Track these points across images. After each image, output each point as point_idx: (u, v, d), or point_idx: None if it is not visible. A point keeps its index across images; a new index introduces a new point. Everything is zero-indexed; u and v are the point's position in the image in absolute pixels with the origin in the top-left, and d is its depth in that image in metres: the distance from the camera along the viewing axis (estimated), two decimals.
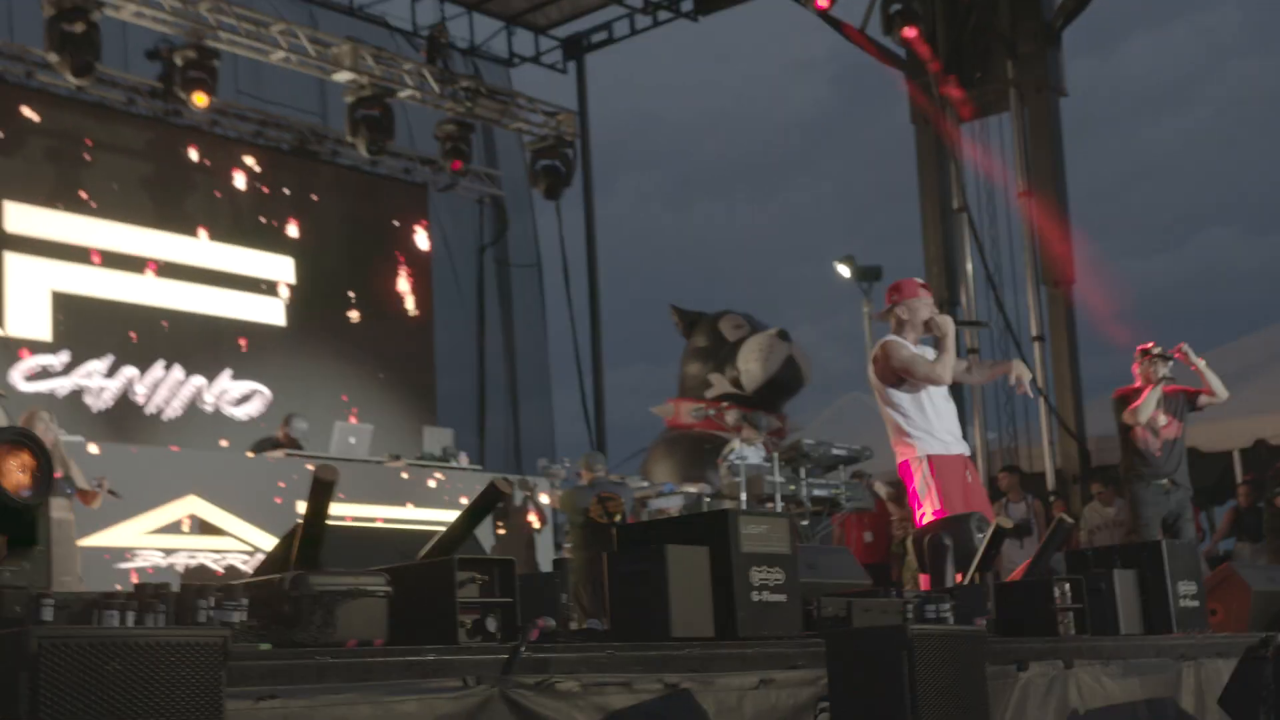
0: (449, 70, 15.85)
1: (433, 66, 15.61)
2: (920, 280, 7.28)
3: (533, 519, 12.59)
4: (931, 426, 6.89)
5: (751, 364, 16.23)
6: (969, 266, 16.60)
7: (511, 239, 18.18)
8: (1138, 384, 9.17)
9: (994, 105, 16.37)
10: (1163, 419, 9.13)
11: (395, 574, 4.04)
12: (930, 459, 6.85)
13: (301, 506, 10.55)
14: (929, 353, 6.99)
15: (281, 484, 11.14)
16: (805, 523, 13.25)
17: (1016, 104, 16.03)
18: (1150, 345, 9.06)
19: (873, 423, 18.06)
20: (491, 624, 4.07)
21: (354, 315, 15.95)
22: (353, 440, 12.08)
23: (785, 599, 4.70)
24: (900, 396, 6.92)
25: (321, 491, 3.98)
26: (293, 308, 15.36)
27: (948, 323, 6.94)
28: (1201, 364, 8.81)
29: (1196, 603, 6.32)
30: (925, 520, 6.69)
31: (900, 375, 6.90)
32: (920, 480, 6.85)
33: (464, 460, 13.20)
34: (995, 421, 16.49)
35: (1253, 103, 62.67)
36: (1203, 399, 9.10)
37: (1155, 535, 8.47)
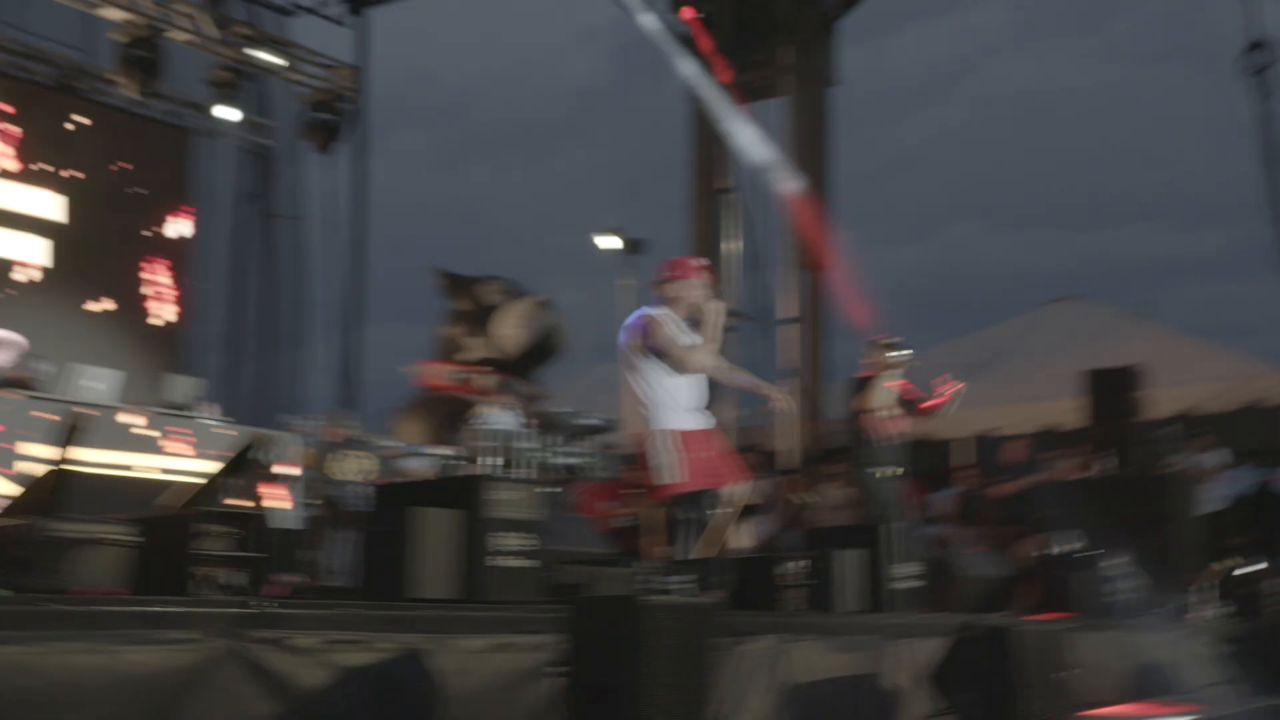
0: (225, 15, 15.45)
1: (208, 9, 15.21)
2: (700, 261, 7.17)
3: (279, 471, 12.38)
4: (677, 400, 6.77)
5: (511, 330, 16.27)
6: (733, 246, 16.98)
7: (277, 191, 17.83)
8: (870, 373, 9.20)
9: (768, 90, 16.73)
10: (891, 410, 9.25)
11: (145, 524, 4.03)
12: (674, 433, 6.71)
13: (26, 449, 10.22)
14: (692, 337, 6.87)
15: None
16: (559, 490, 13.43)
17: (790, 90, 16.43)
18: (884, 336, 9.17)
19: (621, 394, 18.33)
20: (236, 578, 4.10)
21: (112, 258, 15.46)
22: (102, 386, 11.71)
23: (530, 564, 4.83)
24: (649, 367, 6.78)
25: (69, 438, 3.95)
26: (58, 249, 14.85)
27: (714, 311, 6.87)
28: (952, 404, 8.96)
29: (913, 584, 6.70)
30: (665, 492, 6.64)
31: (656, 351, 6.78)
32: (663, 452, 6.69)
33: (216, 411, 12.95)
34: (744, 399, 16.92)
35: (1006, 102, 65.36)
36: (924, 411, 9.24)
37: (881, 519, 8.80)
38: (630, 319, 6.93)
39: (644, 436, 6.76)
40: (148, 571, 3.99)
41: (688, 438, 6.73)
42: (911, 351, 9.06)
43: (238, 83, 15.61)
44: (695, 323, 6.90)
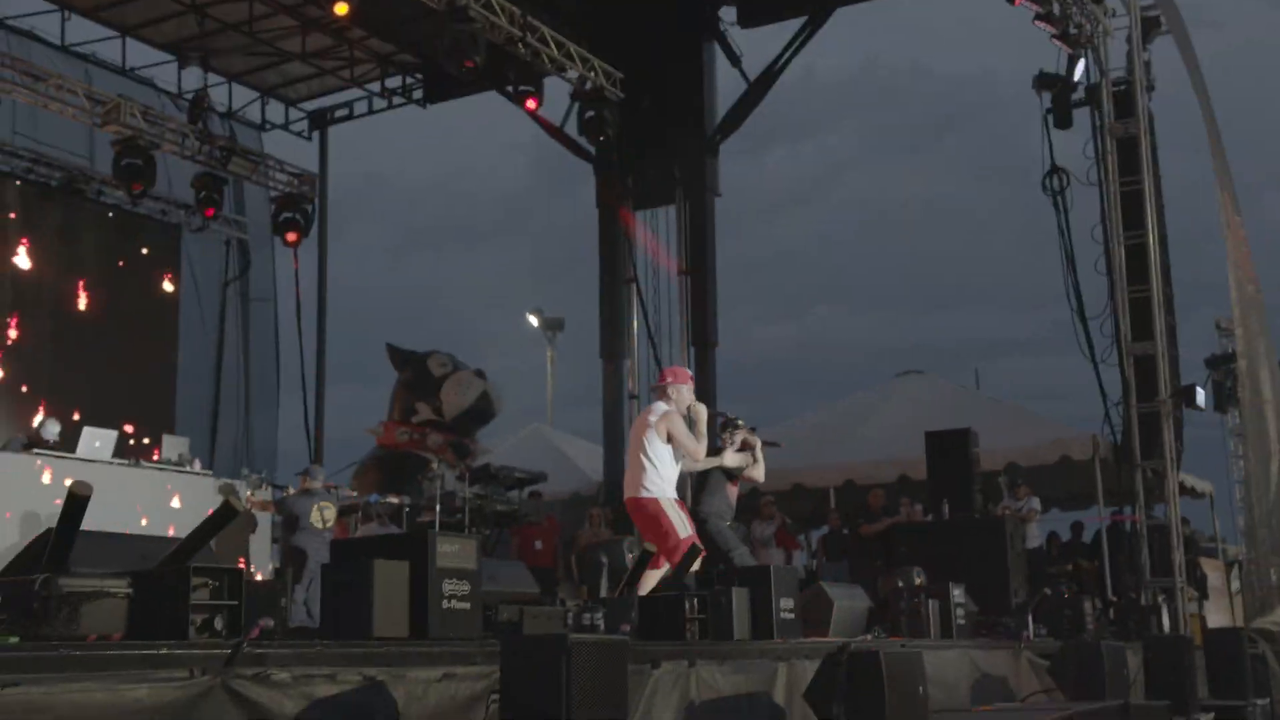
0: (208, 130, 15.32)
1: (194, 126, 15.06)
2: (689, 372, 7.96)
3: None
4: (672, 478, 7.39)
5: (452, 396, 16.16)
6: (635, 326, 17.03)
7: (253, 277, 17.64)
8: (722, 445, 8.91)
9: (662, 199, 16.88)
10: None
11: (136, 578, 3.91)
12: (678, 500, 7.39)
13: (40, 504, 9.93)
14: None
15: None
16: (488, 533, 13.30)
17: (680, 200, 16.58)
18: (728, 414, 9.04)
19: (548, 449, 18.14)
20: (219, 623, 3.99)
21: (112, 337, 15.16)
22: (98, 444, 11.43)
23: (469, 607, 4.76)
24: (662, 452, 7.33)
25: (75, 504, 3.82)
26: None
27: (702, 411, 7.55)
28: (759, 449, 8.67)
29: (792, 615, 6.68)
30: (683, 543, 6.92)
31: (672, 437, 7.35)
32: (674, 516, 7.26)
33: (197, 466, 12.68)
34: None
35: (861, 206, 66.57)
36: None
37: (748, 561, 8.58)
38: (655, 411, 7.47)
39: (647, 501, 7.32)
40: (144, 619, 3.87)
41: (682, 505, 7.41)
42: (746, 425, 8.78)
43: (220, 187, 15.46)
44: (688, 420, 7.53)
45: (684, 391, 7.55)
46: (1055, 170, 14.70)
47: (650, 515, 7.27)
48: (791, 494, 15.36)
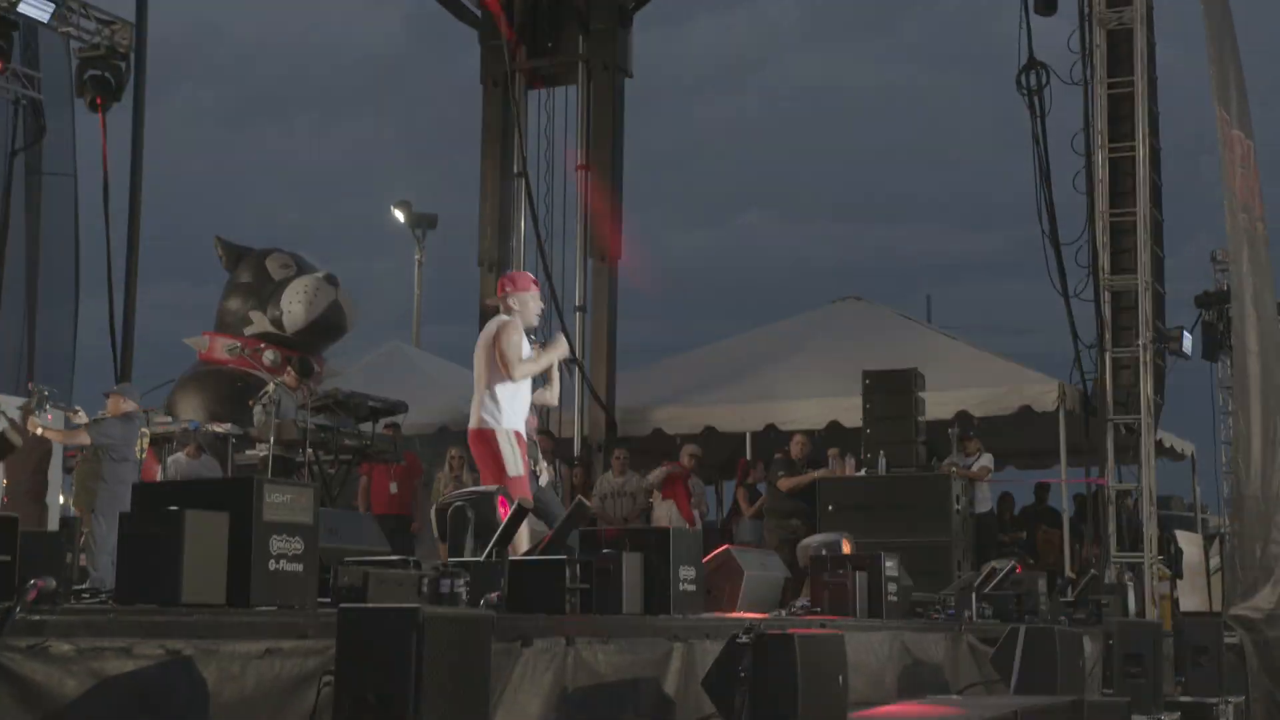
0: None
1: None
2: (533, 277, 8.37)
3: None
4: (514, 405, 7.81)
5: (295, 305, 15.94)
6: (522, 229, 16.93)
7: (47, 146, 17.11)
8: None
9: (562, 78, 16.75)
10: None
11: None
12: (515, 432, 7.76)
13: None
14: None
15: None
16: (332, 472, 13.22)
17: (584, 79, 16.46)
18: None
19: (409, 373, 18.11)
20: None
21: None
22: None
23: (302, 569, 4.72)
24: (502, 377, 7.75)
25: None
26: None
27: (560, 341, 8.30)
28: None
29: (694, 587, 6.74)
30: (510, 486, 7.10)
31: (502, 357, 7.75)
32: (506, 449, 7.69)
33: None
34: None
35: (797, 96, 66.68)
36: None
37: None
38: (489, 328, 7.89)
39: (480, 432, 7.77)
40: None
41: (519, 439, 7.79)
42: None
43: (9, 33, 14.91)
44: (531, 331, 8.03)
45: (528, 300, 8.00)
46: (1033, 64, 14.85)
47: (484, 450, 7.75)
48: (702, 438, 15.50)
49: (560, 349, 8.20)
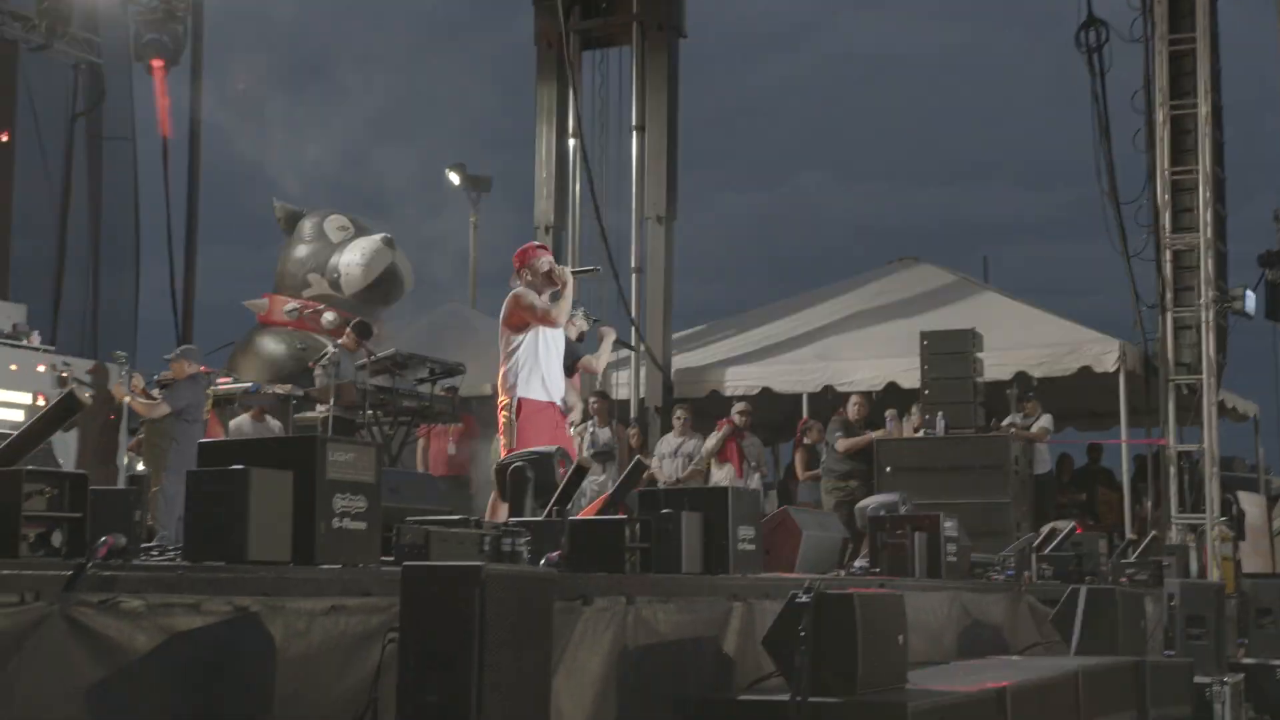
0: None
1: None
2: (536, 242, 8.70)
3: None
4: (535, 375, 8.01)
5: (353, 267, 16.05)
6: (577, 191, 16.93)
7: (107, 111, 17.22)
8: None
9: (617, 38, 16.69)
10: None
11: None
12: (522, 400, 7.92)
13: None
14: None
15: None
16: (391, 434, 13.30)
17: (638, 39, 16.39)
18: None
19: (467, 334, 18.20)
20: (57, 539, 3.95)
21: None
22: None
23: (365, 527, 4.75)
24: (515, 345, 8.03)
25: None
26: None
27: (565, 272, 8.22)
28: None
29: (753, 546, 6.74)
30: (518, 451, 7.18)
31: (524, 318, 8.02)
32: (505, 418, 7.88)
33: (35, 340, 12.52)
34: (588, 346, 16.91)
35: (854, 58, 66.18)
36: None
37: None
38: (504, 306, 8.11)
39: (504, 405, 8.00)
40: None
41: (536, 408, 7.96)
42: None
43: None
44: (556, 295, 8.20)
45: (541, 263, 8.21)
46: (1092, 22, 14.67)
47: (503, 419, 8.00)
48: (759, 399, 15.48)
49: (565, 275, 8.25)
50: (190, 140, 17.56)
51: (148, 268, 18.08)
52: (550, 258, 8.36)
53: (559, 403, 8.24)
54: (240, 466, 4.39)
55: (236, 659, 4.18)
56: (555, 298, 8.16)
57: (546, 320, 8.03)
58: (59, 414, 4.23)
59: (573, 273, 8.51)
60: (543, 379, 8.06)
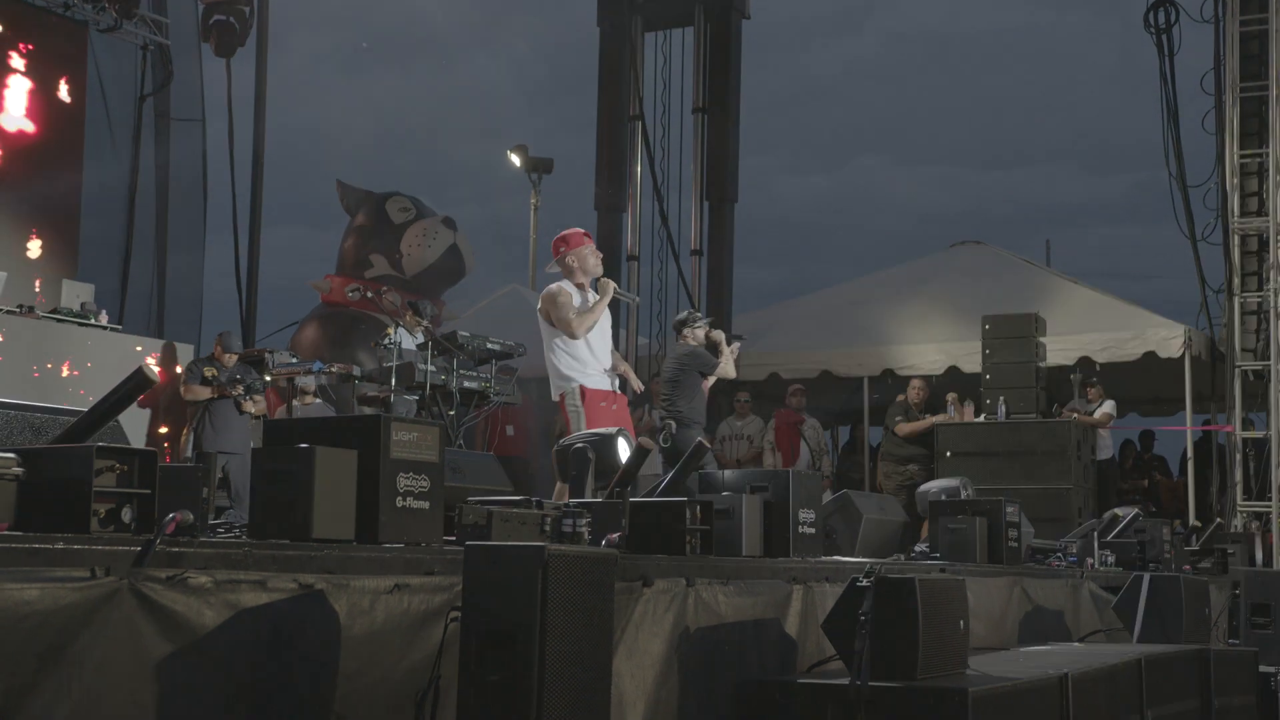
0: None
1: None
2: (584, 230, 8.29)
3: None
4: (585, 364, 7.95)
5: (414, 248, 16.12)
6: (638, 173, 16.92)
7: (175, 92, 17.38)
8: None
9: (679, 19, 16.64)
10: None
11: (28, 456, 3.90)
12: (584, 389, 7.87)
13: None
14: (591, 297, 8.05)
15: None
16: (452, 412, 13.35)
17: (700, 21, 16.34)
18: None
19: (528, 316, 18.26)
20: (127, 515, 3.99)
21: None
22: None
23: (428, 506, 4.77)
24: (559, 336, 7.94)
25: None
26: None
27: (609, 285, 8.10)
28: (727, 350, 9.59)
29: (814, 530, 6.73)
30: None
31: (553, 316, 7.95)
32: (572, 407, 7.79)
33: (104, 319, 12.69)
34: (646, 329, 16.95)
35: (916, 39, 65.69)
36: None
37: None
38: (542, 298, 8.06)
39: (561, 399, 8.00)
40: (38, 506, 3.87)
41: (595, 395, 7.92)
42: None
43: None
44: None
45: (585, 254, 8.07)
46: (1162, 2, 14.48)
47: (562, 412, 7.97)
48: (818, 383, 15.43)
49: (608, 289, 8.15)
50: (255, 121, 17.71)
51: (213, 248, 18.28)
52: (594, 248, 8.20)
53: (616, 389, 8.21)
54: (306, 445, 4.42)
55: (302, 635, 4.21)
56: (584, 305, 8.05)
57: (566, 331, 7.93)
58: (129, 389, 4.28)
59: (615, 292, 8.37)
60: (599, 365, 8.04)
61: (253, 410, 11.96)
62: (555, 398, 8.08)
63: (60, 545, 3.71)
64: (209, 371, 11.91)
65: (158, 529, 3.94)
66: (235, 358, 12.07)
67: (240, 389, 11.90)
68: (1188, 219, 14.36)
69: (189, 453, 11.59)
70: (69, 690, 3.60)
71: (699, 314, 9.67)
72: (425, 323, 13.39)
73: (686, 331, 9.69)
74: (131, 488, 4.03)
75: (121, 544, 3.85)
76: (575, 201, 19.56)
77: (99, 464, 3.93)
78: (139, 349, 12.10)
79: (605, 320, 8.21)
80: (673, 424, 9.38)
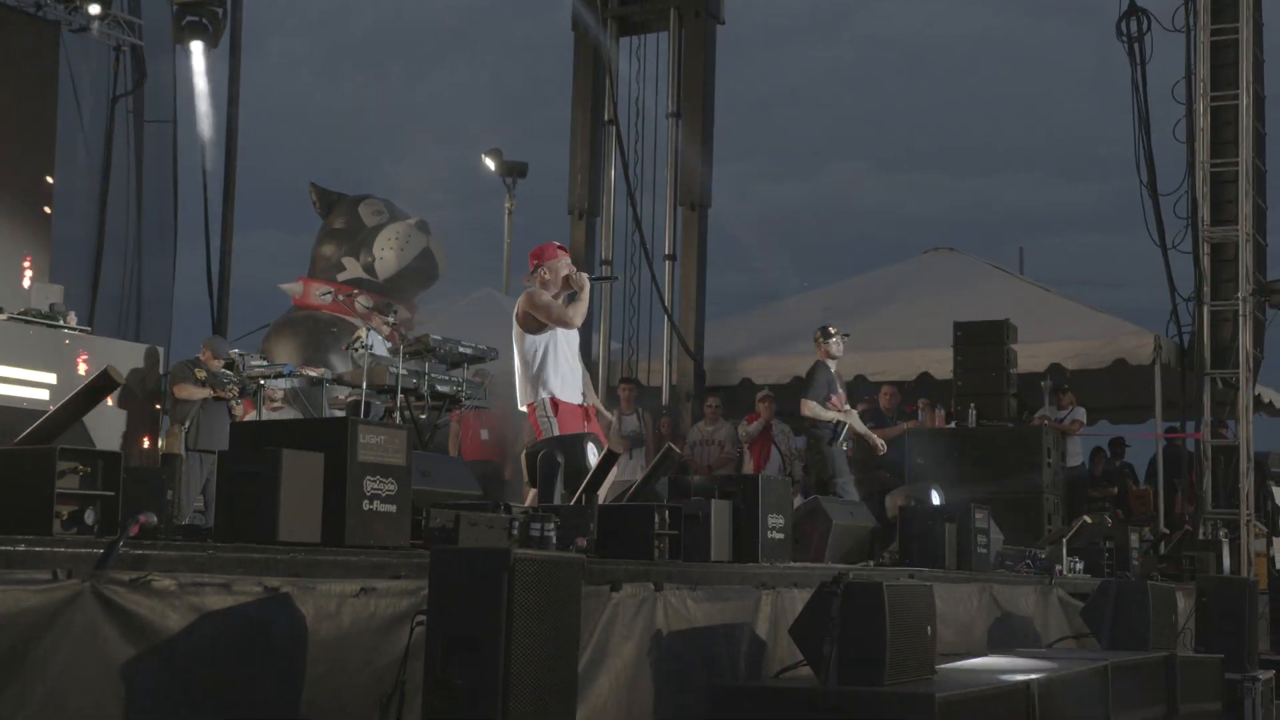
0: None
1: None
2: (558, 243, 8.33)
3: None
4: (557, 377, 7.86)
5: (387, 252, 16.08)
6: (612, 178, 16.91)
7: (148, 93, 17.27)
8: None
9: (654, 24, 16.65)
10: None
11: None
12: (553, 399, 7.80)
13: None
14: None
15: None
16: (424, 416, 13.31)
17: (675, 26, 16.35)
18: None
19: (502, 319, 18.23)
20: (90, 517, 3.98)
21: None
22: None
23: (395, 510, 4.77)
24: (534, 346, 7.87)
25: None
26: None
27: (583, 278, 8.03)
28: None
29: (782, 535, 6.74)
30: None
31: (538, 319, 7.86)
32: (543, 417, 7.72)
33: (72, 320, 12.59)
34: (619, 333, 16.94)
35: (890, 45, 65.90)
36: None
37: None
38: (517, 305, 8.02)
39: (529, 409, 7.93)
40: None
41: (568, 408, 7.84)
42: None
43: None
44: (571, 296, 8.05)
45: (559, 266, 8.05)
46: (1134, 11, 14.56)
47: (540, 419, 7.86)
48: (790, 388, 15.44)
49: (584, 283, 8.09)
50: (227, 123, 17.62)
51: (184, 250, 18.17)
52: (569, 260, 8.19)
53: (586, 404, 8.17)
54: (271, 448, 4.41)
55: (267, 639, 4.20)
56: (571, 299, 8.01)
57: (561, 323, 7.89)
58: (93, 393, 4.26)
59: (591, 279, 8.31)
60: (568, 381, 7.97)
61: (239, 414, 11.97)
62: (522, 407, 7.99)
63: (22, 547, 3.69)
64: (200, 373, 11.89)
65: (121, 531, 3.92)
66: (222, 364, 12.07)
67: (235, 390, 11.90)
68: (1159, 227, 14.43)
69: (182, 451, 11.55)
70: (31, 694, 3.58)
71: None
72: (391, 320, 13.35)
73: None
74: (95, 489, 4.01)
75: (84, 546, 3.83)
76: (549, 206, 19.54)
77: (62, 465, 3.91)
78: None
79: (574, 339, 8.15)
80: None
